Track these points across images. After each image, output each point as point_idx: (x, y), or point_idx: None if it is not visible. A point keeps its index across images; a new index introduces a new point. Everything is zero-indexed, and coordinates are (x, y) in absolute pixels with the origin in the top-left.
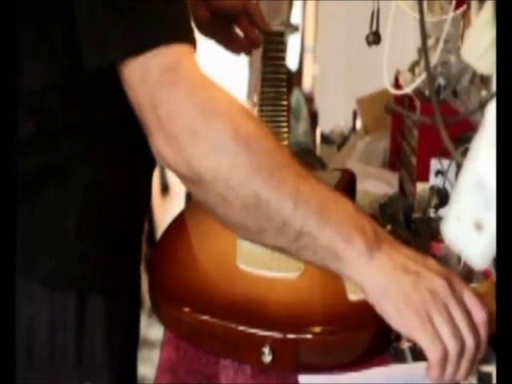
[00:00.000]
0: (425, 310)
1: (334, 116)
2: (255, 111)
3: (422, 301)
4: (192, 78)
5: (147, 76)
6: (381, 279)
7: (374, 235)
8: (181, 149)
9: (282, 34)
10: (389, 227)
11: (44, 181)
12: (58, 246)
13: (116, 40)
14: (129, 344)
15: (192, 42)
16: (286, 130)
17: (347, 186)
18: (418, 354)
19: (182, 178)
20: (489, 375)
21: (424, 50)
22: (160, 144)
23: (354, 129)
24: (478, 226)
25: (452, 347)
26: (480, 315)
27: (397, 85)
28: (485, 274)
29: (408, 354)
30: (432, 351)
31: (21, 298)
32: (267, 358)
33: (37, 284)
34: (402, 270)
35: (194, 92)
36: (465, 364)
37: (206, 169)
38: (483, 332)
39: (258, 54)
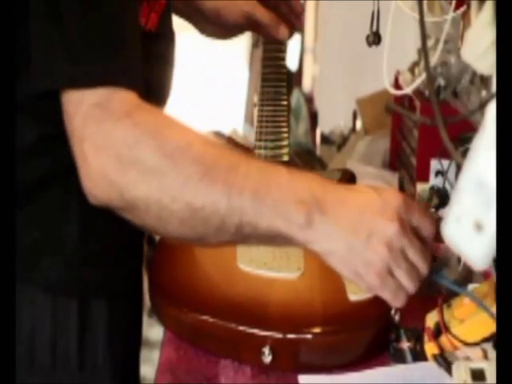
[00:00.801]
0: (384, 267)
1: (334, 116)
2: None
3: (380, 258)
4: (117, 112)
5: (79, 109)
6: (333, 245)
7: (314, 201)
8: (110, 183)
9: None
10: None
11: (46, 186)
12: (61, 252)
13: (61, 70)
14: (131, 347)
15: (133, 85)
16: (286, 130)
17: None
18: (418, 354)
19: (116, 208)
20: (481, 371)
21: (424, 51)
22: (89, 181)
23: (353, 129)
24: (478, 227)
25: (412, 288)
26: (429, 230)
27: (397, 85)
28: (485, 275)
29: (408, 354)
30: (396, 302)
31: (23, 304)
32: (267, 358)
33: (39, 290)
34: (352, 233)
35: (118, 124)
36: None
37: (139, 196)
38: (431, 243)
39: (258, 54)
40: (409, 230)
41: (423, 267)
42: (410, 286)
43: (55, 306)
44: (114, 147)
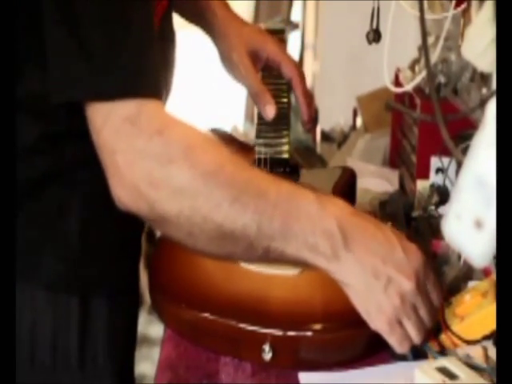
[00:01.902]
0: (395, 316)
1: (335, 114)
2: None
3: (393, 307)
4: (150, 129)
5: (109, 122)
6: (353, 280)
7: (342, 236)
8: (142, 195)
9: (282, 32)
10: (389, 225)
11: (47, 185)
12: (62, 250)
13: (85, 81)
14: (129, 344)
15: (157, 93)
16: (286, 127)
17: (347, 183)
18: (419, 352)
19: (145, 218)
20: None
21: (424, 48)
22: (119, 190)
23: (354, 126)
24: (478, 224)
25: (418, 340)
26: (438, 299)
27: (397, 82)
28: (485, 272)
29: (408, 352)
30: (400, 348)
31: (23, 302)
32: (267, 355)
33: (39, 288)
34: (373, 275)
35: (150, 143)
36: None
37: (170, 211)
38: (438, 310)
39: None
40: (422, 292)
41: (429, 323)
42: (415, 337)
43: (56, 304)
44: (145, 164)
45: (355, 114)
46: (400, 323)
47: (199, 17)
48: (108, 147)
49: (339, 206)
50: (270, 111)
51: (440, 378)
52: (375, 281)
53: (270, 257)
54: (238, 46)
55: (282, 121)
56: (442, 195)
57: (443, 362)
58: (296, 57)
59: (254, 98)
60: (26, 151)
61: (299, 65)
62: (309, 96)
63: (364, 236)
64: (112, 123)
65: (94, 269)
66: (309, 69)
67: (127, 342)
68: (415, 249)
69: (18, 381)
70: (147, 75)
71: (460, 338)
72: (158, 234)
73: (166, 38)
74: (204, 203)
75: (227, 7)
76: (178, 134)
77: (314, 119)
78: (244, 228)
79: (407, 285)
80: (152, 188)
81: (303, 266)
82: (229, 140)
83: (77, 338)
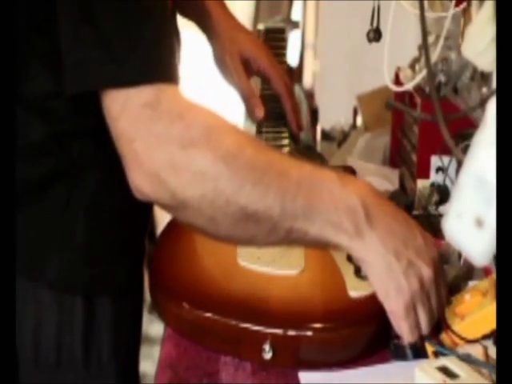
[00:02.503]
0: (412, 300)
1: (335, 113)
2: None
3: (411, 290)
4: (170, 113)
5: (127, 109)
6: (375, 258)
7: (365, 214)
8: (162, 182)
9: (282, 31)
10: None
11: (53, 184)
12: (67, 250)
13: (101, 69)
14: (133, 344)
15: (175, 79)
16: (286, 126)
17: None
18: (419, 351)
19: (165, 206)
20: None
21: (424, 47)
22: (138, 178)
23: (354, 125)
24: (479, 223)
25: (426, 330)
26: (445, 294)
27: (397, 81)
28: (485, 271)
29: (408, 351)
30: (409, 336)
31: (28, 301)
32: (268, 354)
33: (45, 288)
34: (394, 256)
35: (171, 126)
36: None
37: (192, 196)
38: (444, 305)
39: None
40: (436, 282)
41: (435, 316)
42: (425, 326)
43: (60, 304)
44: (167, 148)
45: (355, 113)
46: (415, 309)
47: (196, 16)
48: (126, 135)
49: (361, 185)
50: (259, 114)
51: (440, 377)
52: (396, 262)
53: (291, 238)
54: (231, 50)
55: (282, 120)
56: (443, 194)
57: (443, 361)
58: (296, 56)
59: (243, 101)
60: (33, 150)
61: (299, 65)
62: (298, 111)
63: (386, 216)
64: (130, 110)
65: (98, 268)
66: (309, 68)
67: (131, 341)
68: (431, 238)
69: (23, 380)
70: (165, 61)
71: (460, 337)
72: (158, 233)
73: None
74: (227, 185)
75: (224, 8)
76: (198, 117)
77: (312, 120)
78: (267, 209)
79: (426, 271)
80: (173, 173)
81: (323, 248)
82: None
83: (81, 337)
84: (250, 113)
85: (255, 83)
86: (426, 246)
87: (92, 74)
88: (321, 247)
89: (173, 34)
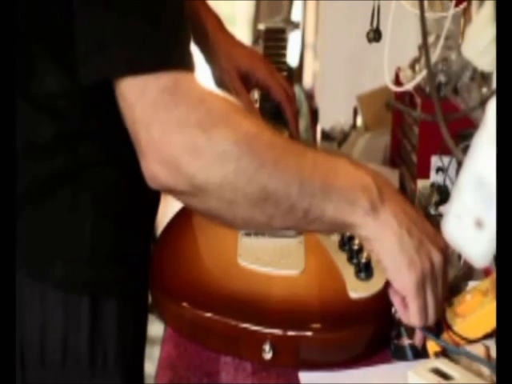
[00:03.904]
0: (423, 278)
1: (335, 113)
2: (256, 107)
3: (423, 268)
4: (190, 97)
5: (144, 95)
6: (386, 234)
7: (378, 192)
8: (180, 167)
9: (282, 31)
10: None
11: (60, 185)
12: (74, 250)
13: (117, 56)
14: (138, 345)
15: (192, 66)
16: (286, 126)
17: None
18: (419, 352)
19: (181, 193)
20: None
21: (425, 47)
22: (154, 166)
23: (354, 126)
24: (479, 224)
25: (432, 318)
26: (446, 290)
27: (397, 82)
28: (485, 272)
29: (408, 351)
30: (417, 321)
31: (34, 302)
32: (268, 354)
33: (51, 288)
34: (408, 231)
35: (192, 110)
36: None
37: (213, 179)
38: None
39: (258, 50)
40: (444, 270)
41: (442, 306)
42: (432, 310)
43: (66, 304)
44: (188, 132)
45: (355, 113)
46: (424, 290)
47: (194, 35)
48: (144, 121)
49: (370, 170)
50: None
51: (434, 378)
52: (409, 238)
53: (308, 219)
54: (228, 68)
55: (281, 120)
56: (443, 194)
57: (436, 363)
58: (296, 56)
59: None
60: (41, 150)
61: (299, 65)
62: (297, 118)
63: (397, 198)
64: (148, 95)
65: (104, 269)
66: (309, 68)
67: (137, 342)
68: (438, 231)
69: (29, 380)
70: (183, 48)
71: (462, 337)
72: (159, 233)
73: None
74: (248, 165)
75: (219, 23)
76: (217, 101)
77: (312, 120)
78: (287, 187)
79: (437, 254)
80: (194, 156)
81: (338, 231)
82: None
83: (87, 337)
84: None
85: (253, 96)
86: (434, 233)
87: (110, 61)
88: (334, 230)
89: (189, 23)
